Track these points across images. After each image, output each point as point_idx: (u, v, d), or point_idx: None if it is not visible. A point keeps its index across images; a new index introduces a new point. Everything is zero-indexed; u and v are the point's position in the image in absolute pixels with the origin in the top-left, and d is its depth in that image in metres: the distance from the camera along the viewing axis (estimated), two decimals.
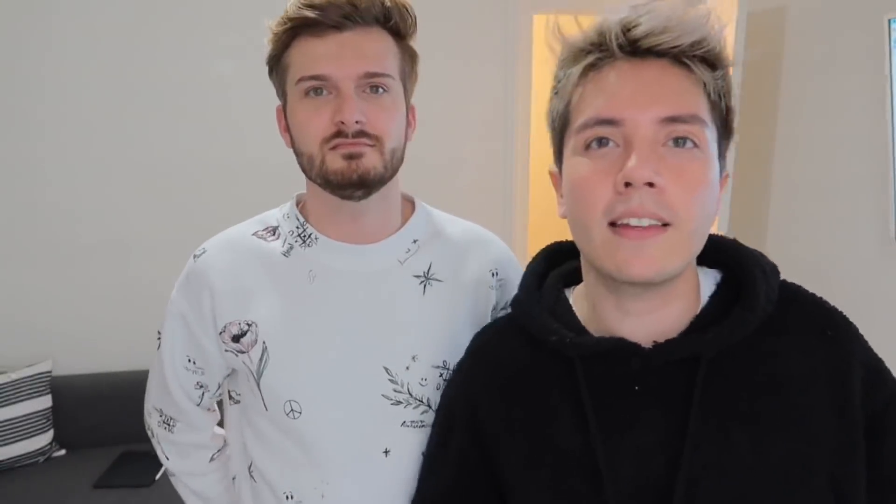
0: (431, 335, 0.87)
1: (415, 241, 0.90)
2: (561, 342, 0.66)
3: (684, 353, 0.62)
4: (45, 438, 2.28)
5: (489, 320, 0.90)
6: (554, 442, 0.66)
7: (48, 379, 2.34)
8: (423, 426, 0.86)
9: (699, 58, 0.60)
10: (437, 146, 2.65)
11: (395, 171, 0.84)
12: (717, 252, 0.69)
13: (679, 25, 0.59)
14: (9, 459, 2.21)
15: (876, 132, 2.02)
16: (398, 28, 0.83)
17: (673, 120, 0.58)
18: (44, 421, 2.29)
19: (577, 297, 0.72)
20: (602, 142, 0.60)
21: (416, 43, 0.87)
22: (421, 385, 0.85)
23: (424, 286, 0.88)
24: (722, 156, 0.63)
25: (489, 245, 0.96)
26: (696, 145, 0.59)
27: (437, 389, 0.86)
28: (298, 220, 0.89)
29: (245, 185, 2.45)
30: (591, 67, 0.62)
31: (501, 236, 1.01)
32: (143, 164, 2.44)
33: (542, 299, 0.72)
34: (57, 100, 2.35)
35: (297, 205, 0.92)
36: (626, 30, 0.60)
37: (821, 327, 0.63)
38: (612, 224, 0.59)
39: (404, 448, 0.85)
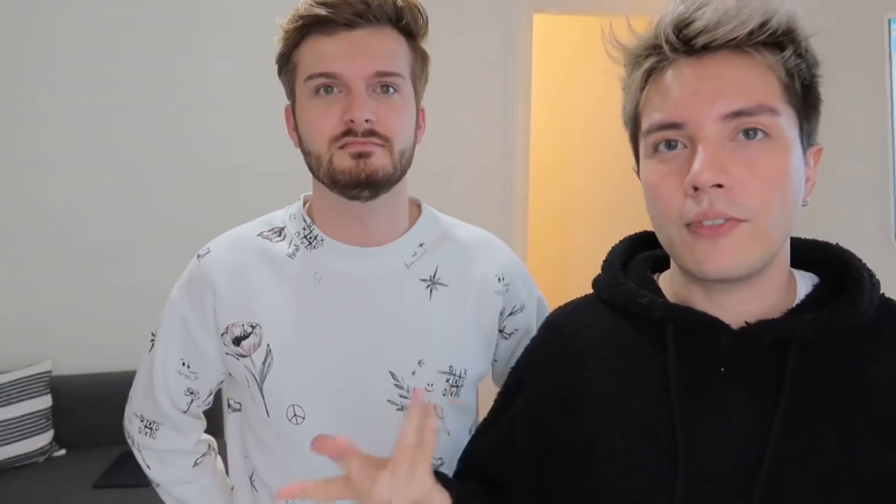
0: (438, 340, 0.86)
1: (421, 245, 0.89)
2: (653, 304, 0.64)
3: (777, 334, 0.59)
4: (44, 438, 2.27)
5: (496, 326, 0.89)
6: (630, 413, 0.63)
7: (48, 379, 2.33)
8: None
9: (762, 43, 0.57)
10: (437, 146, 2.63)
11: (403, 172, 0.83)
12: (818, 256, 0.67)
13: (735, 16, 0.56)
14: (9, 459, 2.20)
15: (876, 132, 2.02)
16: (410, 28, 0.82)
17: (738, 114, 0.56)
18: (43, 421, 2.28)
19: (663, 282, 0.70)
20: (670, 144, 0.59)
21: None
22: (427, 390, 0.84)
23: (431, 290, 0.87)
24: (806, 134, 0.61)
25: (496, 250, 0.95)
26: (767, 135, 0.57)
27: (444, 395, 0.85)
28: (305, 221, 0.88)
29: (246, 186, 2.45)
30: (652, 71, 0.61)
31: (501, 237, 1.01)
32: (144, 165, 2.43)
33: (627, 275, 0.71)
34: (54, 101, 2.34)
35: (304, 206, 0.91)
36: (679, 29, 0.58)
37: None
38: (688, 225, 0.58)
39: None
